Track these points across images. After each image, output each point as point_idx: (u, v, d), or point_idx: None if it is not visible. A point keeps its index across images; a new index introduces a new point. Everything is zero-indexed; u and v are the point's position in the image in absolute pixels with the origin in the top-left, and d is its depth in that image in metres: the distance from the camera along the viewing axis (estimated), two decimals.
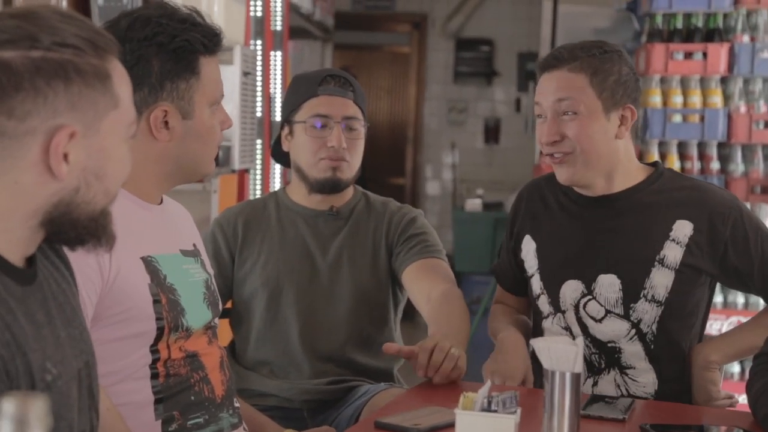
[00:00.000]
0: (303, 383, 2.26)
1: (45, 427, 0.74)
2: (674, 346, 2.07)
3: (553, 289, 2.11)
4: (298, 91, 2.34)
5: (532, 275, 2.16)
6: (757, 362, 1.81)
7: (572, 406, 1.51)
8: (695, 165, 4.28)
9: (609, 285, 2.05)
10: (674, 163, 4.26)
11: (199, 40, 1.71)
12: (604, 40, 2.16)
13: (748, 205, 4.18)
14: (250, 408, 2.05)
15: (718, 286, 2.19)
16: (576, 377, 1.51)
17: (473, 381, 1.93)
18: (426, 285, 2.20)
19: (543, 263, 2.14)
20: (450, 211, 7.38)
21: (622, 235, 2.07)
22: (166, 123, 1.71)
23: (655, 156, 4.26)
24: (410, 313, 2.46)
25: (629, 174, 2.09)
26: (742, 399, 2.01)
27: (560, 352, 1.52)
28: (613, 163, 2.07)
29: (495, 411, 1.55)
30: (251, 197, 4.13)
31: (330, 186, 2.31)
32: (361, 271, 2.32)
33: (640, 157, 4.32)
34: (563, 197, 2.15)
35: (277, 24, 4.41)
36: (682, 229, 2.04)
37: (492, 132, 7.63)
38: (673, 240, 2.04)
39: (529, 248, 2.18)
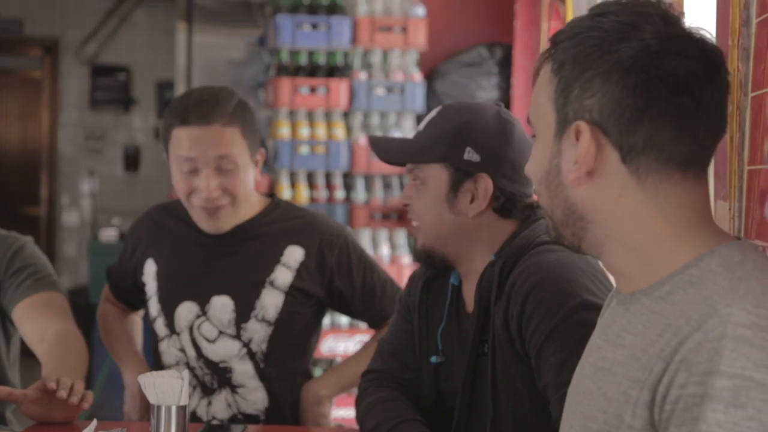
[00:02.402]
0: None
1: None
2: (283, 364, 2.19)
3: (169, 311, 2.19)
4: None
5: (150, 298, 2.23)
6: (365, 378, 1.95)
7: None
8: (322, 194, 4.51)
9: (222, 306, 2.15)
10: (303, 191, 4.46)
11: None
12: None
13: (370, 231, 4.50)
14: None
15: None
16: (182, 410, 1.57)
17: (90, 419, 1.92)
18: (40, 323, 2.15)
19: (161, 285, 2.22)
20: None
21: (237, 259, 2.18)
22: None
23: (284, 186, 4.44)
24: (25, 352, 2.38)
25: (251, 206, 2.20)
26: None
27: (166, 387, 1.57)
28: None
29: None
30: None
31: None
32: None
33: (271, 186, 4.49)
34: (186, 228, 2.22)
35: None
36: (293, 254, 2.18)
37: (132, 160, 7.52)
38: (284, 264, 2.17)
39: (150, 270, 2.24)
